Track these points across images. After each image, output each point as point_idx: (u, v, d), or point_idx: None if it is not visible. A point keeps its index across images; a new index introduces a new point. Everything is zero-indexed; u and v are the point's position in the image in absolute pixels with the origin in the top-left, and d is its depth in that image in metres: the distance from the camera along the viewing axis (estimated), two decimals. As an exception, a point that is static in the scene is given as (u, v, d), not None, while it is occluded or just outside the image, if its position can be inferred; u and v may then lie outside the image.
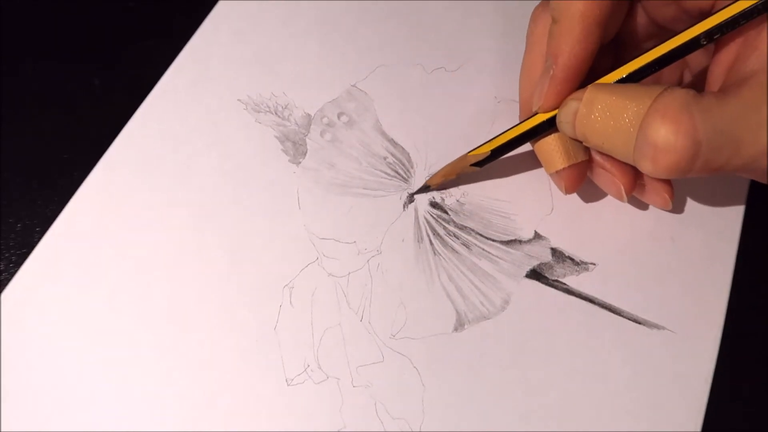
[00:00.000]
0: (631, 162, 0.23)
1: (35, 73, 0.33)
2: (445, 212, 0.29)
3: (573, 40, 0.24)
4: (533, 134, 0.27)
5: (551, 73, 0.25)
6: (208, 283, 0.28)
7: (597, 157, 0.27)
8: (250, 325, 0.27)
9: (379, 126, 0.31)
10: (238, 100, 0.32)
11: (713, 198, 0.29)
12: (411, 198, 0.29)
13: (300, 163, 0.30)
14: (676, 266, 0.28)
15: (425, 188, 0.29)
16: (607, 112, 0.23)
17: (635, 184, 0.26)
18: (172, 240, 0.29)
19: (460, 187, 0.30)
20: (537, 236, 0.29)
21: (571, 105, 0.25)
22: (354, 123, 0.31)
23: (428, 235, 0.29)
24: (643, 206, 0.29)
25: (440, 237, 0.29)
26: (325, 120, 0.31)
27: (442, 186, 0.29)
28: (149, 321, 0.27)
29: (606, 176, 0.27)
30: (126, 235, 0.29)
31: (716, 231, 0.29)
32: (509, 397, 0.26)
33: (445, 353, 0.27)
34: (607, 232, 0.29)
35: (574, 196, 0.29)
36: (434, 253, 0.28)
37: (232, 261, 0.28)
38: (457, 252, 0.28)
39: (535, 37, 0.27)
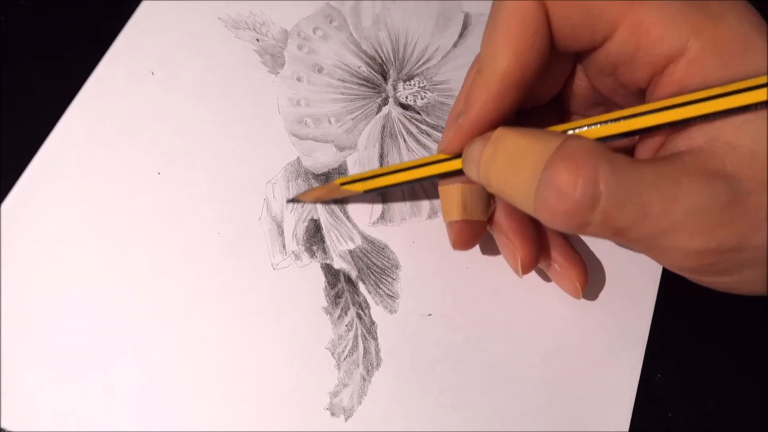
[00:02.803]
0: (531, 209, 0.21)
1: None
2: (417, 113, 0.31)
3: (488, 96, 0.23)
4: (433, 175, 0.25)
5: (460, 121, 0.24)
6: (196, 181, 0.29)
7: (501, 221, 0.26)
8: (236, 216, 0.29)
9: (353, 38, 0.33)
10: (218, 18, 0.33)
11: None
12: (385, 101, 0.31)
13: (279, 73, 0.32)
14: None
15: (296, 200, 0.29)
16: (513, 153, 0.21)
17: (534, 261, 0.26)
18: (160, 144, 0.30)
19: (428, 90, 0.31)
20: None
21: (478, 144, 0.23)
22: (329, 36, 0.33)
23: (401, 134, 0.30)
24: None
25: (413, 135, 0.30)
26: (301, 34, 0.33)
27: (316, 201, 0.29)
28: (141, 216, 0.29)
29: (507, 245, 0.26)
30: (118, 138, 0.30)
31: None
32: (480, 275, 0.28)
33: (420, 237, 0.28)
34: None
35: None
36: (408, 149, 0.30)
37: (219, 161, 0.30)
38: (429, 148, 0.30)
39: (467, 82, 0.25)
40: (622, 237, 0.20)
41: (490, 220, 0.26)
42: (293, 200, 0.29)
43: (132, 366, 0.26)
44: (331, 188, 0.28)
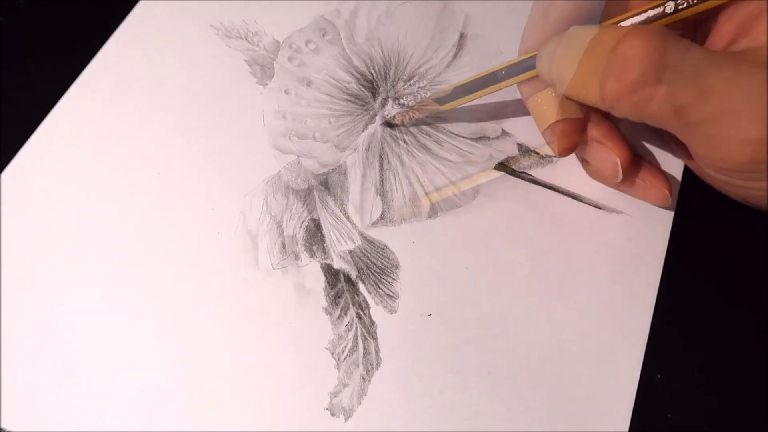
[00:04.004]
0: (598, 95, 0.22)
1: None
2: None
3: None
4: (511, 74, 0.27)
5: (548, 15, 0.25)
6: (195, 181, 0.30)
7: (592, 131, 0.26)
8: (236, 216, 0.29)
9: (345, 53, 0.33)
10: (210, 25, 0.34)
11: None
12: (372, 119, 0.31)
13: (267, 84, 0.32)
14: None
15: (390, 123, 0.30)
16: (585, 42, 0.23)
17: (631, 159, 0.26)
18: (145, 151, 0.30)
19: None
20: (504, 133, 0.31)
21: (552, 41, 0.24)
22: (320, 50, 0.33)
23: (402, 136, 0.31)
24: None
25: (413, 135, 0.30)
26: (293, 47, 0.33)
27: (405, 122, 0.30)
28: (139, 217, 0.29)
29: (601, 151, 0.26)
30: (103, 144, 0.31)
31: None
32: (480, 275, 0.28)
33: (420, 238, 0.28)
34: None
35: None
36: (408, 150, 0.30)
37: (218, 161, 0.30)
38: (429, 148, 0.30)
39: None
40: (682, 117, 0.21)
41: (585, 127, 0.26)
42: (388, 124, 0.30)
43: (131, 366, 0.26)
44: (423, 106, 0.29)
